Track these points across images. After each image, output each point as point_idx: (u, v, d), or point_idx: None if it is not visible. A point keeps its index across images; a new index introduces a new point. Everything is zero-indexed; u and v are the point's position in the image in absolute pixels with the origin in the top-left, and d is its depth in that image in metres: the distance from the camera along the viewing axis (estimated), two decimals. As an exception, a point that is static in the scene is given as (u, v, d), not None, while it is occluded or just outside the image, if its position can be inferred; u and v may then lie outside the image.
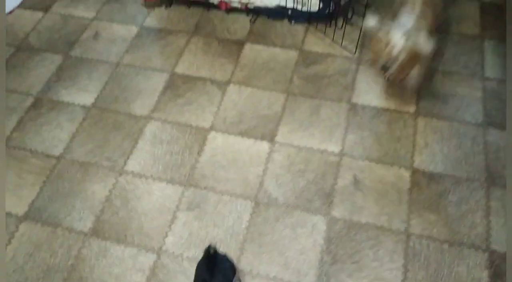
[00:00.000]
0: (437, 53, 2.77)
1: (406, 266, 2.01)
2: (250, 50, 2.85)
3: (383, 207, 2.17)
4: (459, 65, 2.74)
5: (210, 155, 2.38)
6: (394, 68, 2.20)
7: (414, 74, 2.37)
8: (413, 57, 2.18)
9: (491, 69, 2.70)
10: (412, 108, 2.52)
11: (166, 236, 2.12)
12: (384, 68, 2.22)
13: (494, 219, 2.13)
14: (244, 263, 2.03)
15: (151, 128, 2.50)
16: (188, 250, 2.07)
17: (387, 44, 2.16)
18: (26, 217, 2.20)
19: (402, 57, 2.15)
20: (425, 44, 2.13)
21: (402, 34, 2.14)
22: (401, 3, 2.40)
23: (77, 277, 2.03)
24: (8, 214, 2.20)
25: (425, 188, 2.23)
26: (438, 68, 2.71)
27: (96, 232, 2.14)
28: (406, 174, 2.27)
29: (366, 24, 2.27)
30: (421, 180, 2.25)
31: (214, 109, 2.56)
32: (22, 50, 2.91)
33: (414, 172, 2.28)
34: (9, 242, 2.12)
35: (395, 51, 2.13)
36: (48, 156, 2.41)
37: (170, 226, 2.15)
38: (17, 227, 2.17)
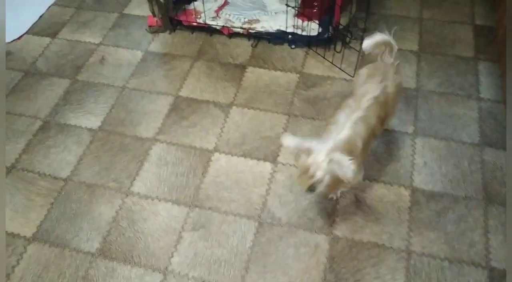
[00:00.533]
0: (432, 75, 2.86)
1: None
2: (252, 74, 2.94)
3: (384, 225, 2.22)
4: (454, 86, 2.82)
5: (214, 176, 2.44)
6: (321, 189, 1.94)
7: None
8: (338, 180, 1.93)
9: (486, 90, 2.79)
10: (410, 129, 2.60)
11: (172, 256, 2.16)
12: (311, 189, 1.92)
13: (492, 236, 2.18)
14: (248, 282, 2.07)
15: (156, 150, 2.56)
16: (193, 270, 2.11)
17: (308, 167, 1.88)
18: (34, 238, 2.24)
19: (326, 180, 1.91)
20: (348, 170, 1.81)
21: (325, 156, 1.86)
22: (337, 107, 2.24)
23: (85, 294, 2.07)
24: (17, 236, 2.25)
25: (424, 206, 2.28)
26: (434, 89, 2.79)
27: (103, 252, 2.19)
28: (405, 193, 2.33)
29: (363, 47, 2.31)
30: (421, 198, 2.31)
31: (218, 131, 2.63)
32: (30, 74, 3.00)
33: (414, 190, 2.34)
34: (18, 263, 2.16)
35: (318, 175, 1.87)
36: (55, 178, 2.47)
37: (175, 246, 2.19)
38: (25, 248, 2.21)
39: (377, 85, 2.15)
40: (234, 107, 2.76)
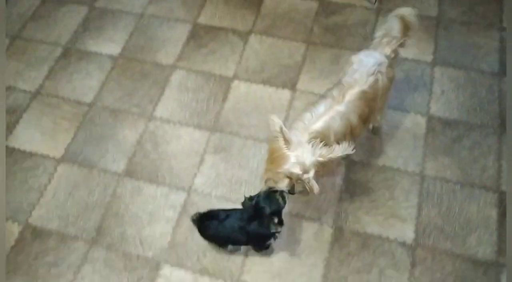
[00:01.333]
0: (455, 3, 2.80)
1: (420, 205, 2.15)
2: (271, 1, 2.90)
3: (400, 151, 2.29)
4: (477, 15, 2.77)
5: (234, 102, 2.49)
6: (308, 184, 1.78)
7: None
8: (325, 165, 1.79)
9: (509, 20, 2.74)
10: (429, 58, 2.59)
11: (195, 176, 2.27)
12: (292, 192, 1.85)
13: (505, 162, 2.24)
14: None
15: (176, 76, 2.60)
16: (216, 189, 2.22)
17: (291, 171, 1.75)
18: (63, 159, 2.35)
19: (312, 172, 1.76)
20: (336, 151, 1.72)
21: (311, 155, 1.73)
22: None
23: (114, 213, 2.20)
24: (46, 157, 2.36)
25: (440, 133, 2.33)
26: (456, 18, 2.75)
27: (130, 172, 2.30)
28: (422, 121, 2.37)
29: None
30: (437, 126, 2.36)
31: (237, 59, 2.65)
32: (48, 1, 2.99)
33: (430, 118, 2.38)
34: (49, 181, 2.28)
35: (308, 177, 1.75)
36: (80, 103, 2.54)
37: (198, 167, 2.29)
38: (55, 168, 2.32)
39: (367, 78, 1.89)
40: (252, 35, 2.75)
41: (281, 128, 1.71)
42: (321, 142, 1.77)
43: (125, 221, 2.17)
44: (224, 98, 2.50)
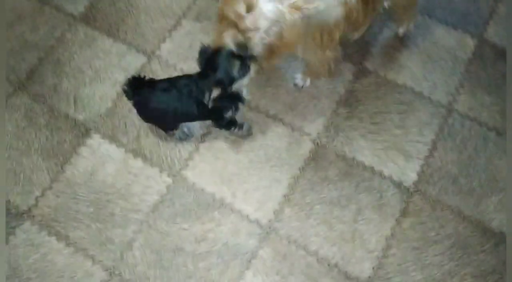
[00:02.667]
0: None
1: (435, 144, 1.63)
2: None
3: (430, 72, 1.73)
4: None
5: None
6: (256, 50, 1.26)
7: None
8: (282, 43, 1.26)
9: None
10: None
11: (164, 41, 1.78)
12: (240, 46, 1.25)
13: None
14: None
15: None
16: (183, 62, 1.74)
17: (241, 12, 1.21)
18: (16, -13, 1.90)
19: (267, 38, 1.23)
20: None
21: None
22: None
23: (54, 59, 1.75)
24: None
25: (489, 64, 1.76)
26: None
27: (87, 18, 1.83)
28: (471, 42, 1.79)
29: None
30: (488, 53, 1.78)
31: None
32: None
33: (482, 42, 1.80)
34: (-8, 7, 1.85)
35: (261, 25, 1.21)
36: None
37: (170, 31, 1.80)
38: None
39: None
40: None
41: None
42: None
43: (63, 72, 1.73)
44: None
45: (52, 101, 1.68)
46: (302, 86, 1.69)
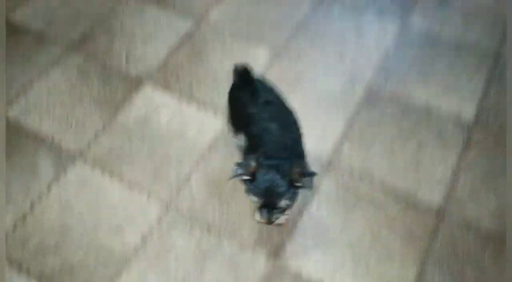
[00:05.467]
0: None
1: (488, 85, 1.63)
2: None
3: (482, 27, 1.79)
4: None
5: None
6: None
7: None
8: None
9: None
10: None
11: (212, 9, 1.86)
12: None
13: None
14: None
15: None
16: (233, 27, 1.81)
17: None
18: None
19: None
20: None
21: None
22: None
23: (106, 26, 1.81)
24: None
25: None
26: None
27: (137, -8, 1.93)
28: None
29: None
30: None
31: None
32: None
33: None
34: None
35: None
36: None
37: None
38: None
39: None
40: None
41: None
42: None
43: (116, 36, 1.78)
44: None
45: (104, 60, 1.71)
46: None
